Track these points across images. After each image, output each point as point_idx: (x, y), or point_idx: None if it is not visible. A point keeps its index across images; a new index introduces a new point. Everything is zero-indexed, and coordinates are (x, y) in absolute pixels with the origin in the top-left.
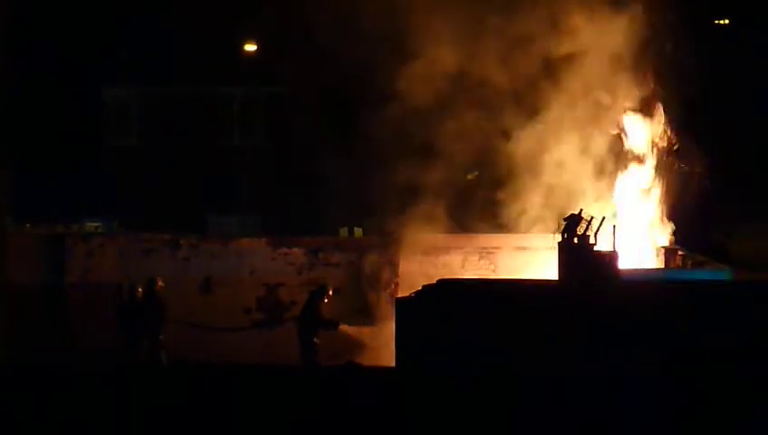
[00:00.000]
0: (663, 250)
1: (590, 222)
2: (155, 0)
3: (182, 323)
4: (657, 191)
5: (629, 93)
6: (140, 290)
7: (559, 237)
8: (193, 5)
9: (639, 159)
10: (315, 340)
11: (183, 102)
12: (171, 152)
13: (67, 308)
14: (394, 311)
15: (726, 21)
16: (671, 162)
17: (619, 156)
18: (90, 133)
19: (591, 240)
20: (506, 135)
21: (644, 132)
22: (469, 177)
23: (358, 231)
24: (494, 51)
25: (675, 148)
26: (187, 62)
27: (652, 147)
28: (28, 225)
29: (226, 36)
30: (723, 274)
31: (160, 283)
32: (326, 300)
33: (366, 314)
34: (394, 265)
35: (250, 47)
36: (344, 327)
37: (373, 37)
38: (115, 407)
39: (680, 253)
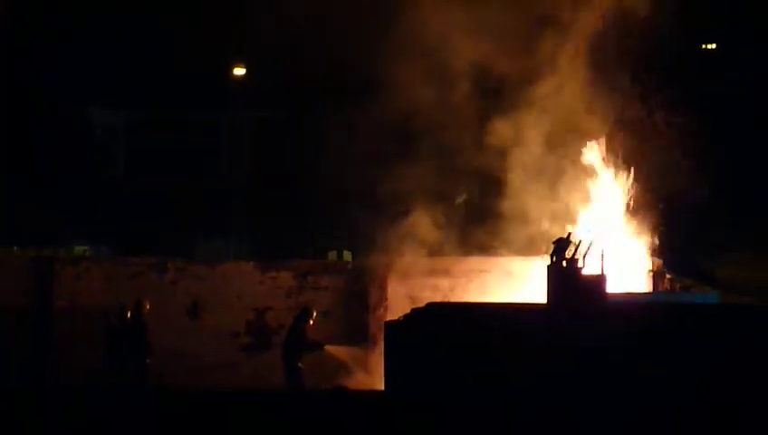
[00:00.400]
0: (651, 274)
1: (578, 246)
2: (144, 24)
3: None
4: (645, 215)
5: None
6: (129, 313)
7: (547, 261)
8: (182, 29)
9: (629, 185)
10: (300, 364)
11: (171, 127)
12: (159, 177)
13: (55, 331)
14: (383, 334)
15: (714, 45)
16: (660, 187)
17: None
18: (78, 157)
19: (580, 264)
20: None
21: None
22: (458, 201)
23: (347, 254)
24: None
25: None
26: (175, 87)
27: (642, 173)
28: (16, 248)
29: (215, 61)
30: (711, 297)
31: (147, 306)
32: (311, 322)
33: (355, 338)
34: (383, 289)
35: (239, 71)
36: (331, 348)
37: (365, 56)
38: (102, 429)
39: (668, 276)
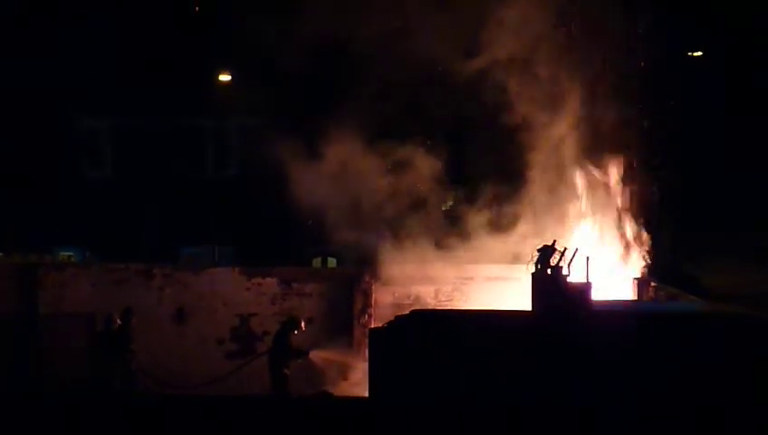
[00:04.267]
0: (636, 282)
1: (563, 253)
2: (129, 30)
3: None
4: (629, 223)
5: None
6: (117, 320)
7: (532, 268)
8: (167, 36)
9: (612, 191)
10: (285, 371)
11: (156, 133)
12: (144, 183)
13: (40, 338)
14: (367, 341)
15: (700, 53)
16: (645, 194)
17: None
18: (63, 163)
19: (565, 271)
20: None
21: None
22: (444, 208)
23: (331, 261)
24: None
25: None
26: (161, 93)
27: (626, 178)
28: (1, 254)
29: (201, 67)
30: (695, 306)
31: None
32: (296, 332)
33: (339, 344)
34: (367, 296)
35: (224, 77)
36: (315, 354)
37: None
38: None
39: (653, 284)
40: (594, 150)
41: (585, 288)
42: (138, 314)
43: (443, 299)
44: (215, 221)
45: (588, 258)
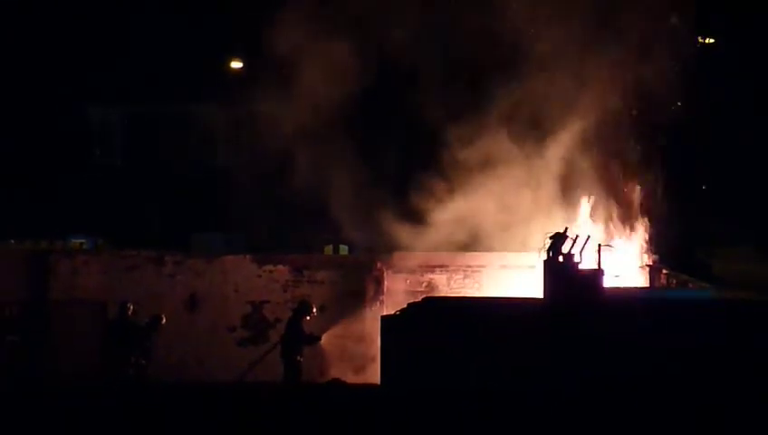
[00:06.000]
0: (647, 269)
1: (575, 240)
2: (139, 17)
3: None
4: (642, 210)
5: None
6: (131, 308)
7: (544, 255)
8: (178, 23)
9: (625, 179)
10: (299, 358)
11: (167, 121)
12: (155, 170)
13: (51, 325)
14: (379, 328)
15: (712, 40)
16: (657, 183)
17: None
18: (74, 151)
19: (576, 258)
20: None
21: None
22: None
23: (343, 248)
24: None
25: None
26: (171, 80)
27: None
28: (12, 241)
29: (211, 54)
30: (706, 293)
31: (163, 320)
32: (308, 317)
33: (351, 332)
34: (379, 283)
35: (236, 64)
36: (327, 341)
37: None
38: (99, 423)
39: (664, 271)
40: (605, 141)
41: (597, 275)
42: (149, 300)
43: (456, 286)
44: (226, 208)
45: (600, 245)
